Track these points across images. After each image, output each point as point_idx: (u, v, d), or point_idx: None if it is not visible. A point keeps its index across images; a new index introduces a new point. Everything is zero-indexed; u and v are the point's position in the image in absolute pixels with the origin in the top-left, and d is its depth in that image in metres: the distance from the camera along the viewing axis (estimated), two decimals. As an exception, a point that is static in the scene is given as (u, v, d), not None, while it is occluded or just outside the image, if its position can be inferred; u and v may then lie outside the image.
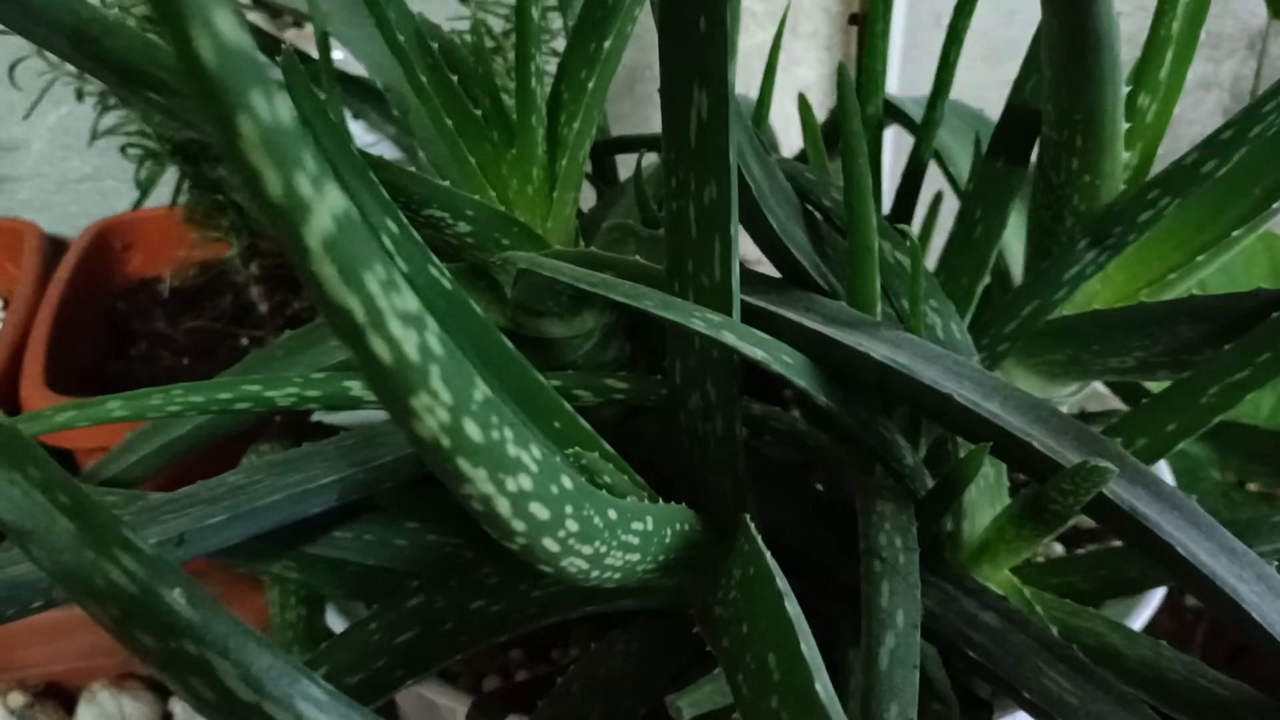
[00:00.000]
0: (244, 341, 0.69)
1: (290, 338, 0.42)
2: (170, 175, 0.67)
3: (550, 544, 0.20)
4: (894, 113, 0.51)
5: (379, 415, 0.37)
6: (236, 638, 0.16)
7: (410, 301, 0.14)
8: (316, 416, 0.44)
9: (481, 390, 0.16)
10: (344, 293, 0.14)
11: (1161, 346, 0.36)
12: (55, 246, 0.78)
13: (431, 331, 0.15)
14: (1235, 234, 0.36)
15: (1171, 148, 0.34)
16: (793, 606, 0.22)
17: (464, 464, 0.17)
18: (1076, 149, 0.35)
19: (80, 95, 0.64)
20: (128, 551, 0.16)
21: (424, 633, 0.33)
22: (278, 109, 0.12)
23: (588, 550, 0.21)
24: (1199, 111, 0.96)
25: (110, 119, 0.65)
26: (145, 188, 0.66)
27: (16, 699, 0.56)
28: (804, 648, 0.20)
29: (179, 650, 0.16)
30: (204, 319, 0.71)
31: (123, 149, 0.66)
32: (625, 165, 0.51)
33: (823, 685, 0.19)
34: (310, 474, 0.33)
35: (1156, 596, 0.39)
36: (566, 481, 0.20)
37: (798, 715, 0.19)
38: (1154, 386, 0.44)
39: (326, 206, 0.13)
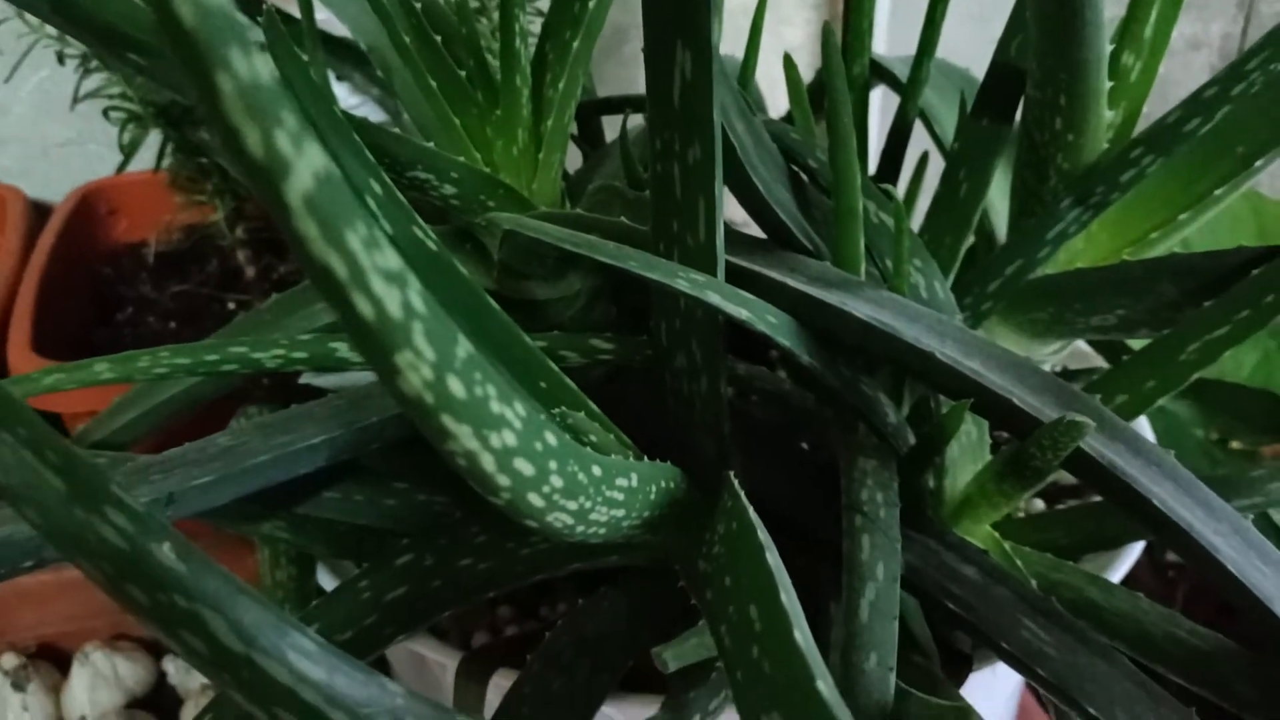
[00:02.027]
0: (230, 306, 0.69)
1: (278, 300, 0.42)
2: (154, 139, 0.66)
3: (535, 499, 0.20)
4: (880, 73, 0.51)
5: (367, 377, 0.38)
6: (226, 591, 0.17)
7: (392, 259, 0.14)
8: (304, 379, 0.44)
9: (464, 347, 0.16)
10: (325, 250, 0.14)
11: (1144, 305, 0.36)
12: (39, 212, 0.78)
13: (414, 289, 0.15)
14: (1218, 193, 0.36)
15: (1159, 107, 0.34)
16: (774, 559, 0.22)
17: (448, 420, 0.17)
18: (1060, 108, 0.35)
19: (61, 58, 0.63)
20: (117, 508, 0.17)
21: (413, 590, 0.33)
22: (257, 67, 0.12)
23: (572, 505, 0.22)
24: (1188, 71, 0.95)
25: (92, 82, 0.65)
26: (129, 152, 0.66)
27: (10, 660, 0.57)
28: (784, 598, 0.21)
29: (170, 604, 0.16)
30: (190, 284, 0.71)
31: (105, 112, 0.65)
32: (611, 127, 0.51)
33: (802, 634, 0.20)
34: (299, 435, 0.33)
35: (1135, 551, 0.40)
36: (550, 438, 0.20)
37: (778, 664, 0.20)
38: (1136, 344, 0.44)
39: (306, 164, 0.13)
